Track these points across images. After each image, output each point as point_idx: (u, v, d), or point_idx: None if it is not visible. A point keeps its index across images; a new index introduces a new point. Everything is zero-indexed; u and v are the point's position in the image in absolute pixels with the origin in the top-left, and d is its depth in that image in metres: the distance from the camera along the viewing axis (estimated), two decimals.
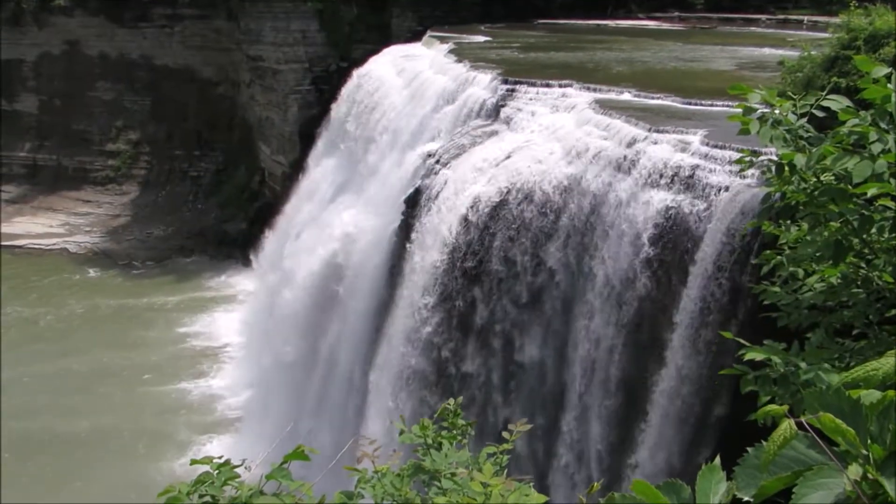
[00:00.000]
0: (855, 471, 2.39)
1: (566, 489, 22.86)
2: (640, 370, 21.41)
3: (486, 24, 48.61)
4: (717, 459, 2.67)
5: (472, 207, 23.98)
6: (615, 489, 19.87)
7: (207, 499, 4.85)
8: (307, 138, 47.68)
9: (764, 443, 2.53)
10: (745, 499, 2.56)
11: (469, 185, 24.58)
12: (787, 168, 7.34)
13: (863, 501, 2.32)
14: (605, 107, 25.02)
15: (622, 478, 21.09)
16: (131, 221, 59.80)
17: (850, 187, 6.73)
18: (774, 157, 7.53)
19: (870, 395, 2.77)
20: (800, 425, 2.56)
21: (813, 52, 19.83)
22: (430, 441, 5.84)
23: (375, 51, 43.45)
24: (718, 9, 52.64)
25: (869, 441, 2.48)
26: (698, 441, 19.71)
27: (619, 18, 51.62)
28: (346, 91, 41.33)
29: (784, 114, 7.44)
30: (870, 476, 2.42)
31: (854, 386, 3.10)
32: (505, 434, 6.00)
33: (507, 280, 24.09)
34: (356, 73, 41.43)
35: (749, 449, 2.61)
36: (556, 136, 25.09)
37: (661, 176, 20.59)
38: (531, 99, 27.78)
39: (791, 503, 2.44)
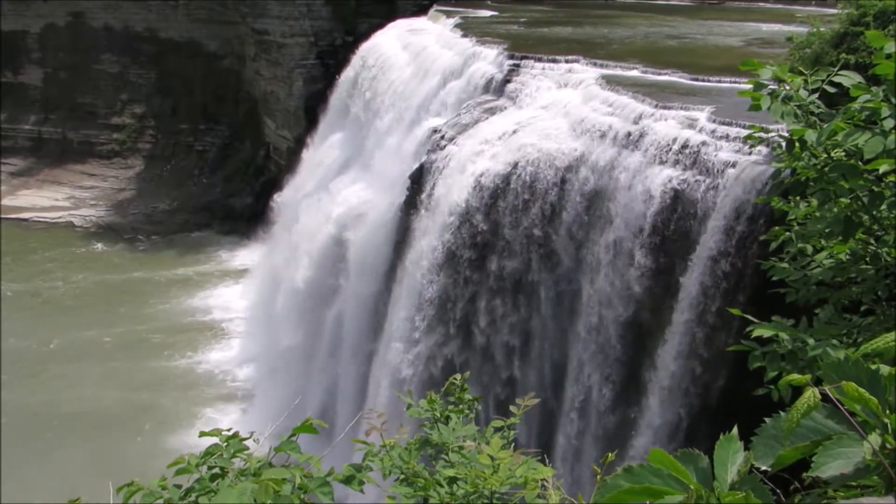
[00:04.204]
0: (874, 440, 2.39)
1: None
2: (640, 351, 21.44)
3: None
4: (735, 430, 2.67)
5: (477, 183, 23.90)
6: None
7: (216, 470, 4.87)
8: (312, 113, 47.45)
9: (783, 413, 2.53)
10: (763, 468, 2.56)
11: (475, 160, 24.49)
12: (797, 144, 7.31)
13: (882, 469, 2.33)
14: (612, 82, 24.89)
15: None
16: (136, 195, 59.73)
17: (860, 163, 6.70)
18: (785, 133, 7.50)
19: (884, 369, 2.77)
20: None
21: (822, 28, 19.69)
22: (437, 415, 5.85)
23: (381, 25, 43.22)
24: None
25: (887, 411, 2.49)
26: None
27: None
28: (351, 66, 41.14)
29: (795, 89, 7.39)
30: (888, 445, 2.43)
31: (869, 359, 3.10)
32: (512, 408, 6.00)
33: (510, 257, 24.05)
34: (362, 47, 41.20)
35: (767, 419, 2.61)
36: (563, 112, 24.98)
37: (668, 152, 20.51)
38: (537, 74, 27.64)
39: (809, 472, 2.45)
